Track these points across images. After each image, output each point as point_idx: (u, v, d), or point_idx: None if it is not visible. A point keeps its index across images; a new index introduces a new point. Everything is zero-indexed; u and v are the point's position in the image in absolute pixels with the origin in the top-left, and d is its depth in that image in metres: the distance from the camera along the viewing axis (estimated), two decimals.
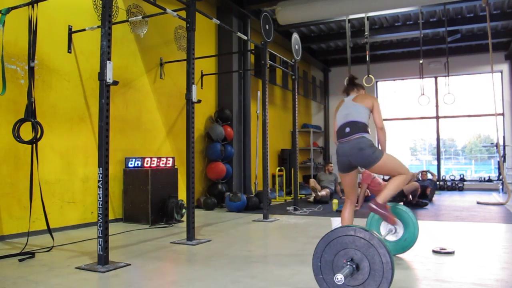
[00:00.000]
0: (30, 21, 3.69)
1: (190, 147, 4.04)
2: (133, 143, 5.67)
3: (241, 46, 7.94)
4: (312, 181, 8.11)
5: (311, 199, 7.85)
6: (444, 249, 3.44)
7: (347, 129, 3.15)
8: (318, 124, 12.90)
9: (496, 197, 8.85)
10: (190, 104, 4.04)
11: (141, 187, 5.23)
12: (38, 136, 3.65)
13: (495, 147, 9.85)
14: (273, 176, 9.40)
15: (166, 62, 6.37)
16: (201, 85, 7.28)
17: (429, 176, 9.13)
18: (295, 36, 6.92)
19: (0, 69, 3.74)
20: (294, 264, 3.08)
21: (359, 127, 3.12)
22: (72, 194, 4.76)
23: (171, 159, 5.75)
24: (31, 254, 3.34)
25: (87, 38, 4.98)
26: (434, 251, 3.44)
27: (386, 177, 8.80)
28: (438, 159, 11.91)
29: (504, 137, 10.84)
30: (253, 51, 8.08)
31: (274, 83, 9.81)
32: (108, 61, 3.05)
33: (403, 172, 3.08)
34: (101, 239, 2.96)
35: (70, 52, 4.82)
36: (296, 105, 6.95)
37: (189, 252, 3.59)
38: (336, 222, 3.86)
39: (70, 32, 4.80)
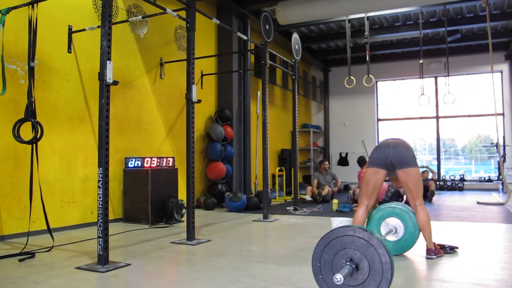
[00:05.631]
0: (30, 21, 3.69)
1: (190, 147, 4.04)
2: (133, 143, 5.67)
3: (241, 46, 7.94)
4: (310, 189, 8.08)
5: (308, 197, 7.81)
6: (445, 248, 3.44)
7: (394, 137, 3.46)
8: (318, 124, 12.90)
9: (496, 197, 8.85)
10: (190, 104, 4.04)
11: (141, 187, 5.23)
12: (38, 136, 3.65)
13: (495, 147, 9.85)
14: (273, 176, 9.40)
15: (166, 62, 6.36)
16: (201, 85, 7.28)
17: (430, 175, 9.10)
18: (295, 36, 6.92)
19: (0, 69, 3.74)
20: (294, 264, 3.09)
21: (405, 141, 3.40)
22: (72, 194, 4.77)
23: (171, 159, 5.75)
24: (31, 254, 3.34)
25: (87, 38, 4.98)
26: None
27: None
28: (438, 159, 11.90)
29: (504, 137, 10.84)
30: (253, 51, 8.08)
31: (274, 83, 9.81)
32: (108, 61, 3.05)
33: (421, 195, 3.26)
34: (101, 239, 2.96)
35: (70, 52, 4.82)
36: (296, 105, 6.95)
37: (189, 252, 3.59)
38: (336, 222, 3.86)
39: (70, 32, 4.80)
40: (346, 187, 10.64)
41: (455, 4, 8.17)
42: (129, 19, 5.44)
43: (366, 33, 8.05)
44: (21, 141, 3.67)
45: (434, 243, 3.27)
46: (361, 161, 7.45)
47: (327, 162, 8.70)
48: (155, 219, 5.17)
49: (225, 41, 7.81)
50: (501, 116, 11.06)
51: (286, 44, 9.24)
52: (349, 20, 8.37)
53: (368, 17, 8.12)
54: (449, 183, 11.17)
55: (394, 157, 3.20)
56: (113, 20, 3.86)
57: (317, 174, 8.62)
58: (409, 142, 3.47)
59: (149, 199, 5.14)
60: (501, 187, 10.04)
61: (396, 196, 6.91)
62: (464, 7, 8.75)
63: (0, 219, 4.03)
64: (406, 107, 12.25)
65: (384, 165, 3.24)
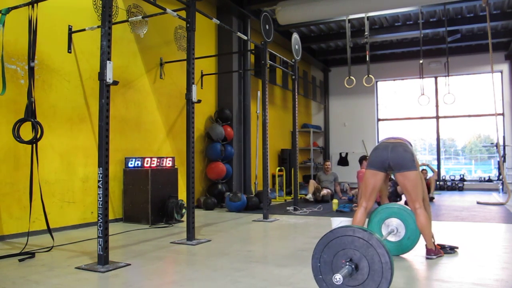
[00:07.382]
0: (30, 21, 3.69)
1: (190, 147, 4.04)
2: (133, 143, 5.67)
3: (241, 46, 7.94)
4: (312, 183, 8.09)
5: (310, 197, 7.82)
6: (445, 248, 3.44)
7: (396, 136, 3.41)
8: (318, 124, 12.90)
9: (496, 197, 8.85)
10: (190, 104, 4.04)
11: (141, 187, 5.23)
12: (38, 136, 3.66)
13: (495, 147, 9.85)
14: (273, 176, 9.40)
15: (166, 62, 6.36)
16: (201, 85, 7.28)
17: (429, 175, 9.09)
18: (295, 36, 6.92)
19: (0, 69, 3.74)
20: (294, 264, 3.09)
21: (406, 140, 3.38)
22: (72, 194, 4.77)
23: (171, 159, 5.75)
24: (31, 254, 3.34)
25: (87, 38, 4.98)
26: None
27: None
28: (438, 159, 11.90)
29: (504, 137, 10.83)
30: (253, 51, 8.08)
31: (274, 83, 9.80)
32: (108, 61, 3.05)
33: (420, 198, 3.19)
34: (101, 239, 2.96)
35: (70, 52, 4.82)
36: (296, 105, 6.95)
37: (189, 252, 3.59)
38: (336, 222, 3.86)
39: (70, 32, 4.80)
40: None
41: (455, 4, 8.17)
42: (129, 19, 5.44)
43: (366, 33, 8.04)
44: (21, 141, 3.68)
45: (434, 243, 3.27)
46: (361, 160, 7.45)
47: (329, 163, 8.74)
48: (155, 219, 5.17)
49: (225, 41, 7.81)
50: (501, 116, 11.06)
51: (286, 44, 9.24)
52: (349, 20, 8.37)
53: (368, 17, 8.12)
54: (449, 183, 11.18)
55: (392, 160, 3.19)
56: (113, 20, 3.86)
57: (320, 173, 8.69)
58: (410, 140, 3.45)
59: (149, 199, 5.14)
60: (501, 187, 10.04)
61: (394, 195, 6.91)
62: (464, 7, 8.75)
63: (0, 219, 4.03)
64: (406, 107, 12.25)
65: (382, 168, 3.24)
